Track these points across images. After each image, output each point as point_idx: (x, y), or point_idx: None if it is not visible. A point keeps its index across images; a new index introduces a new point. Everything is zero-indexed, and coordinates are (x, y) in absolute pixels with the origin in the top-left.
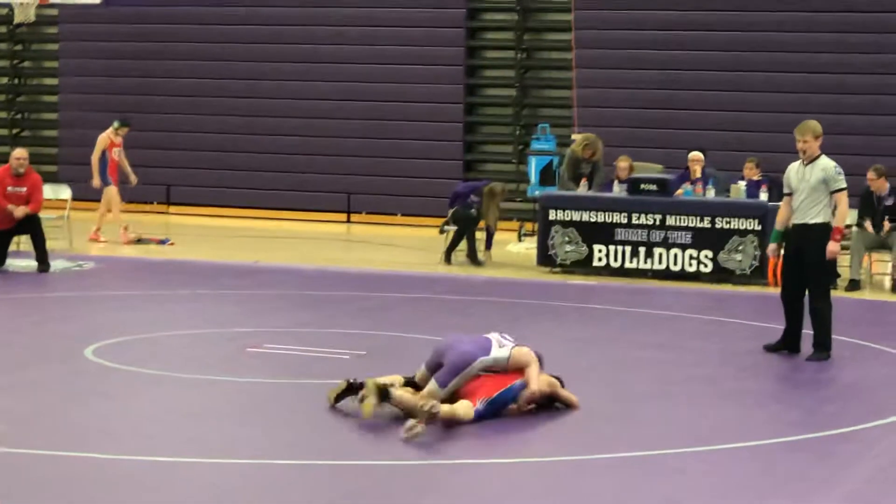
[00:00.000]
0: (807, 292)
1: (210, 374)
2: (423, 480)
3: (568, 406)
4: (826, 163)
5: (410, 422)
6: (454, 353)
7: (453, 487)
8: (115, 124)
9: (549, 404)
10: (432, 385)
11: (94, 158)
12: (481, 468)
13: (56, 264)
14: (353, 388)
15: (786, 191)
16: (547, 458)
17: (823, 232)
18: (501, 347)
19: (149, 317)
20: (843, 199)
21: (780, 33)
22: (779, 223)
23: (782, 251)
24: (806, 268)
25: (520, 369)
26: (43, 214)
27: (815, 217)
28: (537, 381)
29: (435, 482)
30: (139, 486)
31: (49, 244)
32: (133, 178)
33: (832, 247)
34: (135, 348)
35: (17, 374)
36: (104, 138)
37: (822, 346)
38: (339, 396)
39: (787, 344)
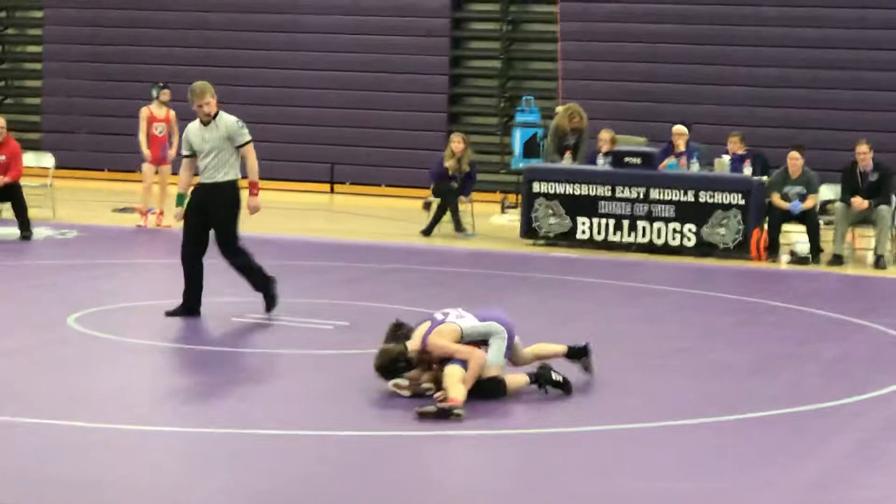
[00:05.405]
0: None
1: (193, 344)
2: (402, 450)
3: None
4: (227, 119)
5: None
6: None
7: (434, 458)
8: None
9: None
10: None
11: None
12: (462, 440)
13: (39, 232)
14: (443, 413)
15: (186, 153)
16: (526, 430)
17: (232, 189)
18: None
19: (132, 286)
20: (251, 151)
21: (762, 7)
22: (181, 187)
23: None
24: (216, 226)
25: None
26: (25, 182)
27: (225, 175)
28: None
29: (414, 453)
30: (118, 454)
31: (32, 213)
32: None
33: (255, 202)
34: (117, 317)
35: None
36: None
37: (272, 298)
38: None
39: (188, 307)
